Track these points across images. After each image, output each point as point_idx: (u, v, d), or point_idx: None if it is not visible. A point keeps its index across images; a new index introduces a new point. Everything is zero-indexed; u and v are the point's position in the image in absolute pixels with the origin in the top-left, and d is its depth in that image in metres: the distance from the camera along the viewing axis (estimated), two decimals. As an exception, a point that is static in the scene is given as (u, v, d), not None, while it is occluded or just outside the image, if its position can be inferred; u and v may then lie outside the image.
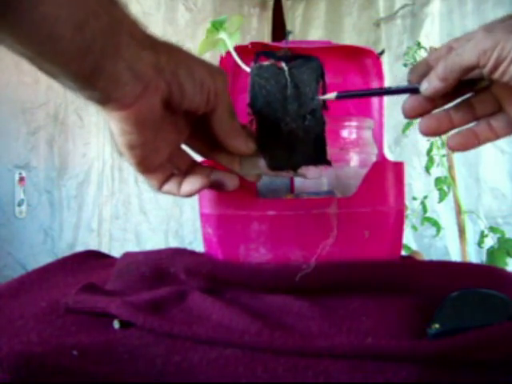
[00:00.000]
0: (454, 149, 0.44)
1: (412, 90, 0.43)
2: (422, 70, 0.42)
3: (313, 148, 0.47)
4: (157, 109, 0.37)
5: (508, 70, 0.36)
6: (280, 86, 0.47)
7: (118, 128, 0.37)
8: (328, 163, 0.48)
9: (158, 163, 0.42)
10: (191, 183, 0.44)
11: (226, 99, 0.41)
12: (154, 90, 0.36)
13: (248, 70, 0.48)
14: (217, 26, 0.55)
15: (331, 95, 0.46)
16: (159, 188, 0.44)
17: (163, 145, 0.41)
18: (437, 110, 0.44)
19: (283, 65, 0.47)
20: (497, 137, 0.43)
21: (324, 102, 0.48)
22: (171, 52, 0.37)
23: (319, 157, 0.48)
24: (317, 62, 0.48)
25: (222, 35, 0.55)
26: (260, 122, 0.47)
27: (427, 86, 0.41)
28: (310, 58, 0.48)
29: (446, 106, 0.44)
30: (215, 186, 0.46)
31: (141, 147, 0.38)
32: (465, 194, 1.59)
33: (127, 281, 0.54)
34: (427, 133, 0.44)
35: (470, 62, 0.38)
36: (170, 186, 0.44)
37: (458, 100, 0.43)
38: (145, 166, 0.41)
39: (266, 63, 0.47)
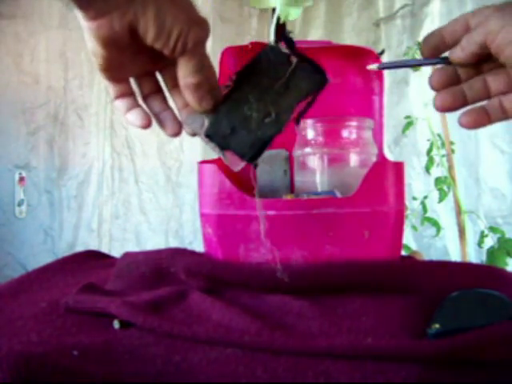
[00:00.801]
0: (465, 126, 0.44)
1: (443, 61, 0.44)
2: (435, 41, 0.43)
3: (251, 144, 0.47)
4: (120, 32, 0.38)
5: None
6: (274, 75, 0.47)
7: (86, 34, 0.39)
8: (253, 164, 0.47)
9: (121, 78, 0.44)
10: (135, 116, 0.45)
11: (196, 51, 0.41)
12: (119, 16, 0.37)
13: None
14: None
15: (373, 66, 0.47)
16: (114, 99, 0.45)
17: (129, 65, 0.43)
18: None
19: (294, 60, 0.47)
20: (506, 117, 0.43)
21: (298, 117, 0.48)
22: None
23: (250, 155, 0.47)
24: (323, 79, 0.47)
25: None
26: (231, 92, 0.47)
27: (458, 54, 0.42)
28: (320, 71, 0.47)
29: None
30: (159, 124, 0.47)
31: (102, 58, 0.40)
32: (465, 194, 1.59)
33: (127, 281, 0.54)
34: (442, 108, 0.44)
35: (479, 39, 0.39)
36: (122, 103, 0.45)
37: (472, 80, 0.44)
38: (107, 75, 0.43)
39: (282, 49, 0.47)
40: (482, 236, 1.35)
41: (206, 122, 0.47)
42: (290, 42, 0.47)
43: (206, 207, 0.54)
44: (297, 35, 2.42)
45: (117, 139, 2.18)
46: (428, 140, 1.47)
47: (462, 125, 0.44)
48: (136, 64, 0.44)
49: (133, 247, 2.14)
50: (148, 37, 0.38)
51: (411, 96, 1.76)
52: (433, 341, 0.37)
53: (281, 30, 0.49)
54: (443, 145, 1.43)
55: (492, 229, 1.32)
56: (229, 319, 0.42)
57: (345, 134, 0.60)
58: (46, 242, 2.11)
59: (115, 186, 2.18)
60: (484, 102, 0.44)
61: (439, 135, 1.43)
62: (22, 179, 2.07)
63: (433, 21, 1.85)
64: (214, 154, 0.50)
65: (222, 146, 0.47)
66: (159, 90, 0.47)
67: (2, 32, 2.02)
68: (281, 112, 0.47)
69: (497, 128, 1.59)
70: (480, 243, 1.35)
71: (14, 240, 2.05)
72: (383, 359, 0.36)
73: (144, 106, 0.47)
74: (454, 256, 1.71)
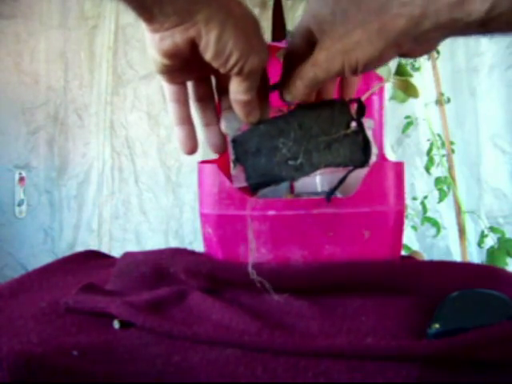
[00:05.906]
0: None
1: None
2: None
3: (262, 173, 0.46)
4: (181, 46, 0.38)
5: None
6: (326, 129, 0.46)
7: (148, 42, 0.40)
8: (252, 190, 0.48)
9: (177, 82, 0.45)
10: (185, 134, 0.47)
11: (250, 76, 0.41)
12: (181, 31, 0.37)
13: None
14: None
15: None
16: (168, 101, 0.47)
17: (187, 71, 0.44)
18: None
19: (352, 127, 0.46)
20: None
21: (329, 193, 0.47)
22: (220, 11, 0.38)
23: (255, 181, 0.47)
24: (363, 162, 0.46)
25: None
26: (280, 118, 0.46)
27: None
28: (367, 153, 0.46)
29: None
30: (204, 135, 0.49)
31: (161, 65, 0.41)
32: (466, 194, 1.59)
33: (127, 281, 0.54)
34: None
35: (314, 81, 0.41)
36: (175, 109, 0.46)
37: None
38: (164, 78, 0.44)
39: (349, 110, 0.46)
40: (482, 236, 1.35)
41: (242, 128, 0.46)
42: (362, 109, 0.46)
43: (206, 207, 0.54)
44: (297, 35, 2.42)
45: (117, 139, 2.18)
46: (428, 140, 1.46)
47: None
48: (193, 70, 0.44)
49: (133, 247, 2.14)
50: (207, 55, 0.39)
51: (413, 96, 1.75)
52: (433, 341, 0.37)
53: (281, 28, 0.49)
54: (443, 145, 1.43)
55: (492, 229, 1.32)
56: (229, 319, 0.42)
57: (345, 133, 0.60)
58: (46, 241, 2.11)
59: (115, 186, 2.18)
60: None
61: (439, 135, 1.43)
62: (22, 179, 2.07)
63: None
64: (213, 154, 0.50)
65: (238, 159, 0.47)
66: (212, 96, 0.47)
67: (1, 32, 2.02)
68: (306, 164, 0.46)
69: (498, 128, 1.59)
70: (480, 243, 1.35)
71: (14, 240, 2.05)
72: (383, 359, 0.36)
73: (194, 110, 0.48)
74: (457, 256, 1.71)
